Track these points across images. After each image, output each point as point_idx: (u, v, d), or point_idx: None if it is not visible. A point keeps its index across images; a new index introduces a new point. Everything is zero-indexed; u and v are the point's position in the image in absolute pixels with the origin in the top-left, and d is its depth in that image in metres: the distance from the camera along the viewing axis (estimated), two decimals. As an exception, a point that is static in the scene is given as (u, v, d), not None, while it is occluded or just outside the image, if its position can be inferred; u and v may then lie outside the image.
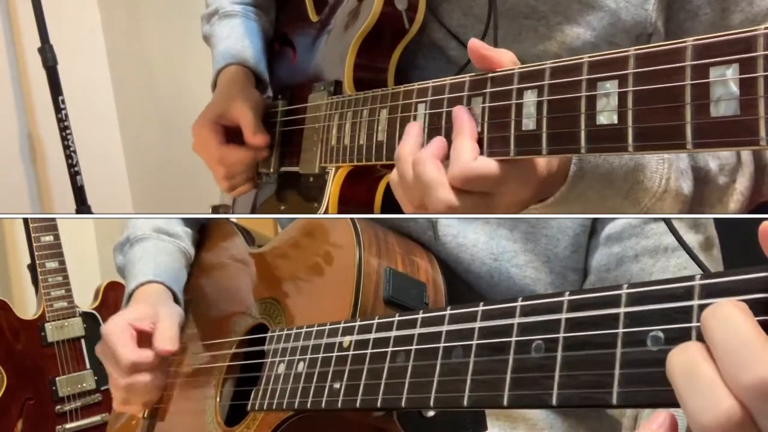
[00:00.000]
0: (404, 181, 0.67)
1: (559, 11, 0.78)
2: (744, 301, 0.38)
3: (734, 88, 0.43)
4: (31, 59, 2.21)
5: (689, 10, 0.77)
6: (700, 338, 0.39)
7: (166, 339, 0.91)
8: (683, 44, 0.46)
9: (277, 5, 1.15)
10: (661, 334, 0.41)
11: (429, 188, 0.63)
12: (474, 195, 0.62)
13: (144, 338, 0.92)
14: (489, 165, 0.61)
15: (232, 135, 1.00)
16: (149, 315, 0.94)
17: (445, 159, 0.64)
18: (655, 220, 0.76)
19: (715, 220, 0.81)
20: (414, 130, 0.68)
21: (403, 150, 0.67)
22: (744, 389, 0.36)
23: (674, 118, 0.46)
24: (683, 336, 0.40)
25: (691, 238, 0.77)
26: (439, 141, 0.65)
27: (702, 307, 0.40)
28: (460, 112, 0.64)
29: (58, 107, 2.15)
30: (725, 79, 0.43)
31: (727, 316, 0.37)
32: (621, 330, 0.43)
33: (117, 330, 0.90)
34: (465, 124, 0.63)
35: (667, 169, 0.74)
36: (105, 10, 2.37)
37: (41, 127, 2.28)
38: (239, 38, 1.08)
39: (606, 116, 0.51)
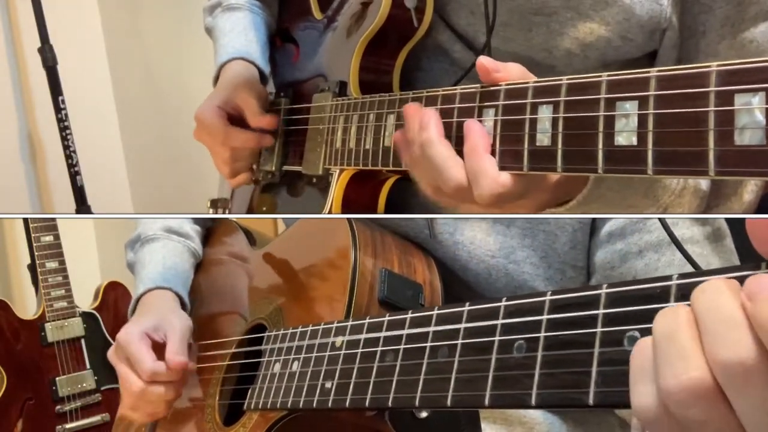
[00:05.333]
0: (417, 164, 0.67)
1: (571, 6, 0.77)
2: None
3: (760, 117, 0.42)
4: (31, 59, 2.19)
5: (704, 3, 0.77)
6: None
7: (176, 352, 0.90)
8: (707, 69, 0.45)
9: (279, 0, 1.14)
10: (638, 334, 0.42)
11: (440, 169, 0.63)
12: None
13: (156, 349, 0.92)
14: (510, 179, 0.60)
15: (235, 122, 1.00)
16: (161, 326, 0.94)
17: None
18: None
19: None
20: (432, 118, 0.67)
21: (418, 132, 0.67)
22: (720, 366, 0.36)
23: (697, 143, 0.45)
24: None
25: (698, 231, 0.76)
26: (437, 118, 0.66)
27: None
28: (473, 125, 0.63)
29: (58, 107, 2.14)
30: (751, 108, 0.43)
31: (714, 292, 0.37)
32: (599, 329, 0.44)
33: (134, 338, 0.90)
34: (479, 138, 0.62)
35: None
36: (105, 10, 2.36)
37: (41, 127, 2.27)
38: (243, 32, 1.07)
39: (625, 137, 0.51)
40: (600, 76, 0.53)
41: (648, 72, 0.50)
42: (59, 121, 2.15)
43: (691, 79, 0.47)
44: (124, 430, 1.14)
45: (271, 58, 1.10)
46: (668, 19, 0.77)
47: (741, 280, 0.38)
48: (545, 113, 0.57)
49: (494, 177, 0.60)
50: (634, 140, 0.50)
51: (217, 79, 1.06)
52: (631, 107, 0.50)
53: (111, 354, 0.94)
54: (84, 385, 1.95)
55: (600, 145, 0.53)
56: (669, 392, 0.37)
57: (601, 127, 0.53)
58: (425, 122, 0.66)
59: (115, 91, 2.39)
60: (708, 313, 0.37)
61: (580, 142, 0.55)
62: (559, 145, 0.56)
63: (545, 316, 0.48)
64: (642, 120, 0.50)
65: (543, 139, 0.58)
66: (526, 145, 0.59)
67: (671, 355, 0.38)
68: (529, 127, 0.59)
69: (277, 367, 0.75)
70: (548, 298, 0.48)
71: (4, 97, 2.22)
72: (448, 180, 0.63)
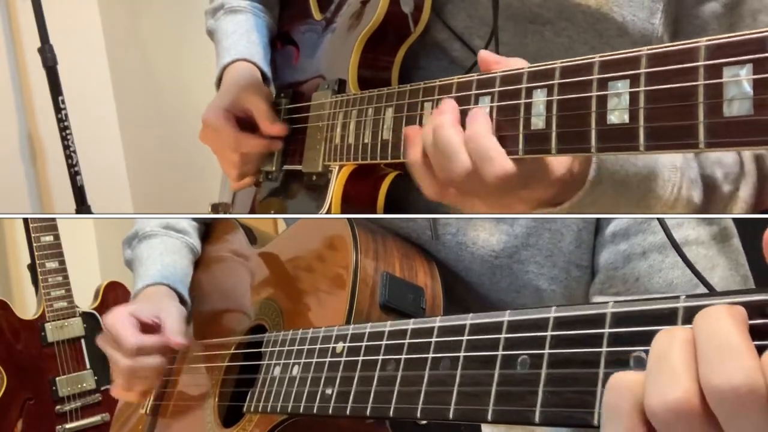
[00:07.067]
0: (426, 150, 0.66)
1: (565, 18, 0.78)
2: None
3: (747, 88, 0.43)
4: (31, 59, 2.21)
5: (697, 25, 0.78)
6: None
7: (176, 333, 0.92)
8: (696, 44, 0.46)
9: (280, 3, 1.14)
10: (644, 355, 0.41)
11: (449, 153, 0.63)
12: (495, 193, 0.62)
13: (144, 329, 0.92)
14: (514, 164, 0.61)
15: (243, 125, 1.00)
16: (151, 310, 0.94)
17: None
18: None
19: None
20: (450, 105, 0.67)
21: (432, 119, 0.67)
22: (714, 391, 0.36)
23: (687, 117, 0.46)
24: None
25: (703, 231, 0.76)
26: (455, 106, 0.65)
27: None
28: (479, 111, 0.63)
29: (58, 107, 2.15)
30: (739, 79, 0.43)
31: (715, 319, 0.38)
32: (605, 349, 0.43)
33: (118, 319, 0.91)
34: (486, 123, 0.62)
35: (679, 178, 0.74)
36: (105, 10, 2.37)
37: (41, 127, 2.28)
38: (245, 34, 1.07)
39: (617, 115, 0.51)
40: (593, 58, 0.54)
41: (639, 51, 0.50)
42: (59, 121, 2.16)
43: (680, 54, 0.47)
44: (121, 426, 1.14)
45: (271, 60, 1.10)
46: (660, 38, 0.78)
47: (752, 304, 0.37)
48: (539, 97, 0.58)
49: (503, 155, 0.61)
50: (626, 118, 0.51)
51: (219, 81, 1.06)
52: (622, 86, 0.51)
53: (99, 339, 0.94)
54: (84, 385, 1.96)
55: (593, 125, 0.53)
56: (653, 411, 0.38)
57: (593, 107, 0.53)
58: (442, 107, 0.66)
59: (115, 91, 2.40)
60: (706, 338, 0.37)
61: (573, 122, 0.55)
62: (553, 127, 0.57)
63: (549, 333, 0.47)
64: (633, 97, 0.50)
65: (537, 123, 0.58)
66: (521, 129, 0.60)
67: (661, 375, 0.38)
68: (524, 112, 0.59)
69: (277, 371, 0.75)
70: (552, 315, 0.48)
71: (4, 97, 2.23)
72: (457, 165, 0.63)
